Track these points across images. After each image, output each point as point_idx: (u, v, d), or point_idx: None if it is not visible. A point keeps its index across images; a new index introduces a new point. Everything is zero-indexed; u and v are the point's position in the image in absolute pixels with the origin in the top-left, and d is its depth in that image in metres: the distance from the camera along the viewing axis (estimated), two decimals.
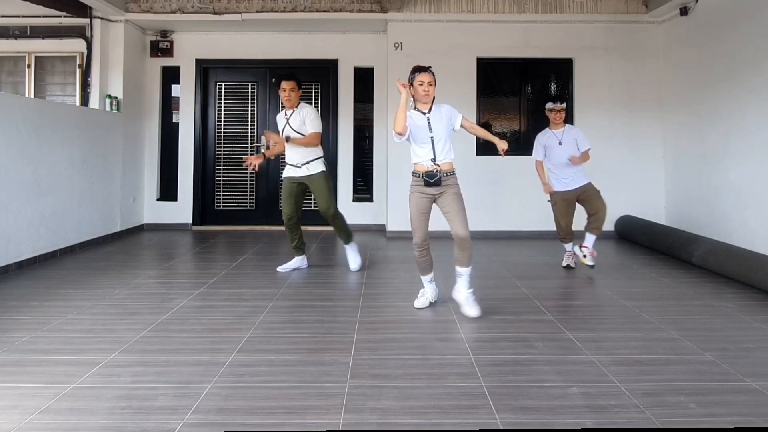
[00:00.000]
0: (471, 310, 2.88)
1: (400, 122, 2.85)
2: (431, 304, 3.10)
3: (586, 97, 5.72)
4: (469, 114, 5.71)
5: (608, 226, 5.63)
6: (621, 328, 2.69)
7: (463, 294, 2.96)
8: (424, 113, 2.98)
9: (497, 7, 5.63)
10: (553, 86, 5.94)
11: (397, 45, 5.68)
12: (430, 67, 2.98)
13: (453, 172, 3.00)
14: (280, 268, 4.01)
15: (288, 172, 3.91)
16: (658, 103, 5.66)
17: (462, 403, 1.87)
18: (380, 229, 6.03)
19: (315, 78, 6.23)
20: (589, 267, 3.96)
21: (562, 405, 1.85)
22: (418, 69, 2.95)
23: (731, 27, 4.47)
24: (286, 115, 3.90)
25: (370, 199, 6.19)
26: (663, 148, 5.64)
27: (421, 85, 2.91)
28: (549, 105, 4.10)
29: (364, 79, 6.19)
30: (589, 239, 3.99)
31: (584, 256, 3.98)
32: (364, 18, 5.64)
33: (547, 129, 4.16)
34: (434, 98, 3.01)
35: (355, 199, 6.20)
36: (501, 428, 1.70)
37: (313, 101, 6.24)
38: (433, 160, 2.94)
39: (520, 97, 5.93)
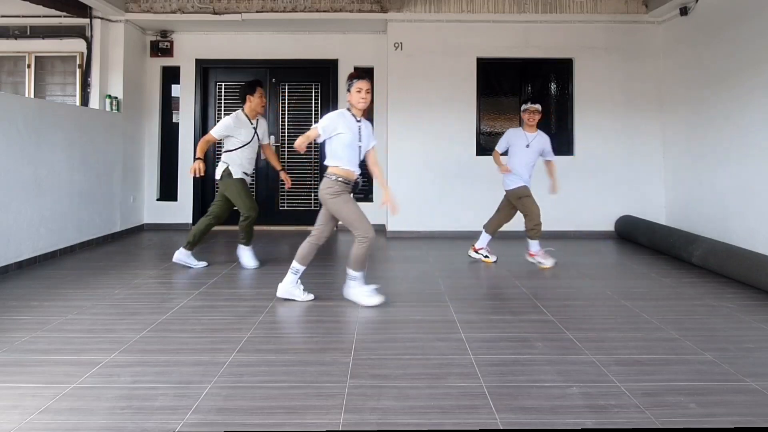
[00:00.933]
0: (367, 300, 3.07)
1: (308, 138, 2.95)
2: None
3: (586, 97, 5.72)
4: (468, 114, 5.73)
5: (608, 226, 5.66)
6: (621, 328, 2.69)
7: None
8: (357, 120, 3.03)
9: (497, 7, 5.63)
10: (553, 86, 5.94)
11: (397, 45, 5.68)
12: (366, 75, 3.06)
13: None
14: (249, 265, 4.08)
15: (242, 175, 4.00)
16: (658, 103, 5.66)
17: (462, 403, 1.86)
18: (380, 229, 6.02)
19: (315, 78, 6.23)
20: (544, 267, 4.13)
21: (562, 405, 1.85)
22: (357, 76, 3.00)
23: (731, 27, 4.47)
24: (252, 123, 3.99)
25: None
26: (663, 148, 5.64)
27: (359, 92, 2.96)
28: (524, 105, 4.19)
29: None
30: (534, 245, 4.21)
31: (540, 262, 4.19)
32: (364, 18, 5.64)
33: (519, 128, 4.26)
34: (367, 110, 3.08)
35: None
36: (501, 428, 1.70)
37: (313, 101, 6.25)
38: (359, 167, 3.08)
39: (520, 97, 5.92)
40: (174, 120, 6.31)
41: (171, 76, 6.25)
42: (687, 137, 5.19)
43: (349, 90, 2.99)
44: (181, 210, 6.14)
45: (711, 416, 1.78)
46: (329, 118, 2.97)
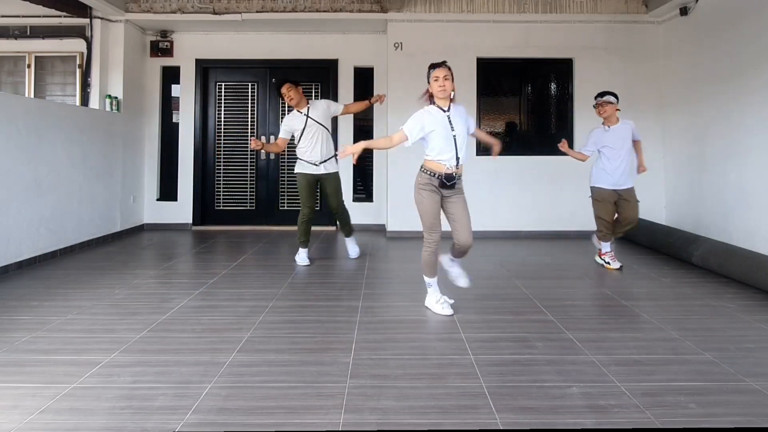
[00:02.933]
0: (463, 281, 3.16)
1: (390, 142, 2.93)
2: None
3: (586, 97, 5.69)
4: (468, 113, 5.71)
5: None
6: (621, 328, 2.69)
7: (456, 271, 3.18)
8: (444, 110, 2.88)
9: (497, 7, 5.62)
10: (553, 86, 5.94)
11: (397, 45, 5.68)
12: (444, 61, 2.92)
13: (461, 175, 2.97)
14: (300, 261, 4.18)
15: (303, 169, 4.11)
16: (658, 103, 5.66)
17: (462, 403, 1.87)
18: (380, 229, 6.03)
19: (315, 78, 6.23)
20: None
21: (562, 405, 1.85)
22: (432, 66, 2.92)
23: (731, 27, 4.47)
24: (303, 113, 4.08)
25: (370, 199, 6.20)
26: (663, 148, 5.64)
27: (436, 80, 2.84)
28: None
29: (364, 79, 6.19)
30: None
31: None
32: (364, 18, 5.64)
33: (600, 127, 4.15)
34: (453, 97, 2.93)
35: (355, 199, 6.20)
36: (501, 428, 1.70)
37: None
38: (457, 161, 2.85)
39: (520, 97, 5.93)
40: (174, 120, 6.31)
41: (171, 76, 6.25)
42: (687, 137, 5.18)
43: (428, 81, 2.90)
44: (181, 210, 6.14)
45: (711, 416, 1.78)
46: (414, 119, 2.86)
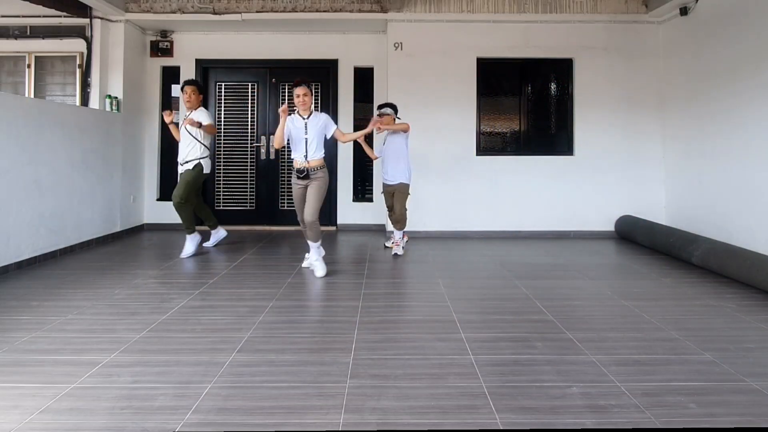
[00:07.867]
0: (318, 271, 3.79)
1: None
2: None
3: (586, 97, 5.72)
4: (468, 113, 5.72)
5: (608, 226, 5.66)
6: (621, 328, 2.69)
7: (312, 258, 3.91)
8: (303, 118, 3.82)
9: (497, 7, 5.63)
10: (553, 86, 5.94)
11: (397, 45, 5.68)
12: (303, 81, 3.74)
13: (320, 167, 3.82)
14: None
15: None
16: (658, 102, 5.66)
17: (462, 403, 1.87)
18: (380, 229, 6.03)
19: (315, 78, 6.22)
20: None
21: (562, 405, 1.85)
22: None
23: (731, 27, 4.47)
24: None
25: (371, 199, 6.19)
26: (663, 148, 5.64)
27: (298, 97, 3.77)
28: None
29: (364, 79, 6.19)
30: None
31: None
32: (364, 18, 5.64)
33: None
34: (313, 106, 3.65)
35: (355, 199, 6.20)
36: (501, 428, 1.70)
37: (313, 101, 6.23)
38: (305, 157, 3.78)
39: (520, 97, 5.93)
40: (174, 120, 6.29)
41: (171, 76, 6.24)
42: (687, 137, 5.19)
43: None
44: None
45: (711, 416, 1.78)
46: None
